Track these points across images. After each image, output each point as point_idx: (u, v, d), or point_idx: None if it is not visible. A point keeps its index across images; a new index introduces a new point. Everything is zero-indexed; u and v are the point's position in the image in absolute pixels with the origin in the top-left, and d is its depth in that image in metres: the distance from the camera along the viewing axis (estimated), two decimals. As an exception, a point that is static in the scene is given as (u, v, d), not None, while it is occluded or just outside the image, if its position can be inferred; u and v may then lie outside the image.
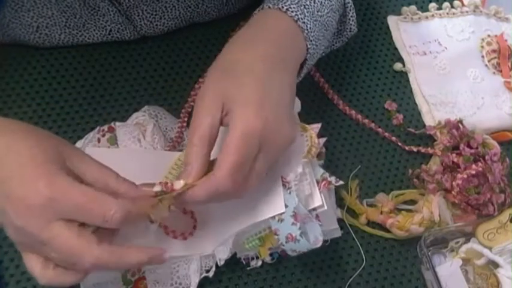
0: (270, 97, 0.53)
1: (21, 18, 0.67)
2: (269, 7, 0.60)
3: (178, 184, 0.51)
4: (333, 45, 0.72)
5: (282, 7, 0.59)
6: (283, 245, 0.56)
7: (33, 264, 0.47)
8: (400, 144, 0.73)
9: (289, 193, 0.56)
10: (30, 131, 0.49)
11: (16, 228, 0.46)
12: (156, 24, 0.71)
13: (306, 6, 0.60)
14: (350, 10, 0.69)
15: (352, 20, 0.70)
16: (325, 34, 0.63)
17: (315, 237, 0.56)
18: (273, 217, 0.56)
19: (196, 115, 0.52)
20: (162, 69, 0.72)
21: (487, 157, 0.68)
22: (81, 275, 0.48)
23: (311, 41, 0.60)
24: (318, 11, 0.61)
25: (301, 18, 0.59)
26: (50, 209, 0.45)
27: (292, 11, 0.59)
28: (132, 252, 0.48)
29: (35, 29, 0.68)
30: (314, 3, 0.61)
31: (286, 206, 0.55)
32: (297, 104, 0.62)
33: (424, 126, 0.75)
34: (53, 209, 0.45)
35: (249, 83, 0.53)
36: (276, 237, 0.56)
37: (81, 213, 0.45)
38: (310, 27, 0.59)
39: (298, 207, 0.55)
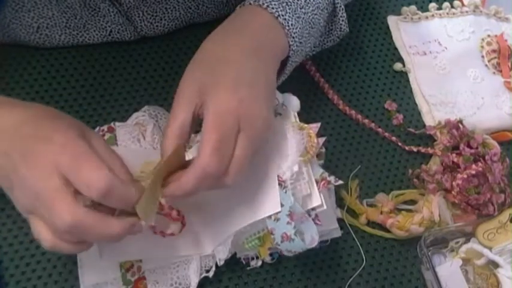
0: (243, 80, 0.53)
1: (21, 18, 0.67)
2: (250, 3, 0.60)
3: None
4: (324, 44, 0.71)
5: (263, 3, 0.59)
6: (279, 245, 0.56)
7: (39, 229, 0.48)
8: (400, 144, 0.73)
9: (285, 192, 0.56)
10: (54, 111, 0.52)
11: (20, 180, 0.47)
12: (157, 25, 0.71)
13: (288, 3, 0.60)
14: (340, 10, 0.69)
15: (343, 20, 0.70)
16: (310, 32, 0.63)
17: (311, 238, 0.56)
18: (269, 216, 0.56)
19: (172, 107, 0.53)
20: (162, 69, 0.72)
21: (487, 157, 0.68)
22: (80, 245, 0.49)
23: (293, 37, 0.60)
24: (301, 8, 0.61)
25: (282, 15, 0.59)
26: (53, 158, 0.46)
27: (272, 8, 0.59)
28: (113, 220, 0.48)
29: (35, 30, 0.68)
30: (298, 0, 0.61)
31: (282, 205, 0.55)
32: (297, 104, 0.62)
33: (424, 126, 0.75)
34: (55, 159, 0.46)
35: (220, 69, 0.54)
36: (272, 236, 0.56)
37: (73, 169, 0.46)
38: (291, 24, 0.60)
39: (294, 207, 0.55)
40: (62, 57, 0.71)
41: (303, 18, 0.62)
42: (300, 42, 0.61)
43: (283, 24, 0.59)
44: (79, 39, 0.70)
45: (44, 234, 0.48)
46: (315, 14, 0.64)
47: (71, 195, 0.46)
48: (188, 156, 0.57)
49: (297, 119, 0.62)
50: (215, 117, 0.51)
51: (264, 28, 0.59)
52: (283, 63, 0.61)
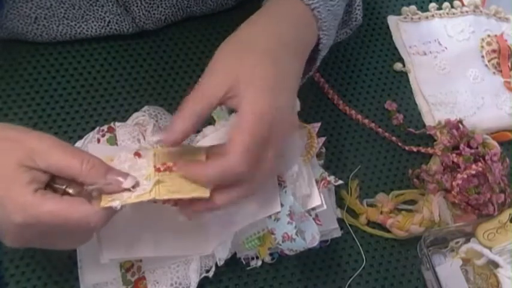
0: (282, 81, 0.52)
1: (19, 9, 0.67)
2: None
3: (131, 179, 0.49)
4: (337, 37, 0.70)
5: None
6: (280, 245, 0.56)
7: None
8: (400, 144, 0.73)
9: (285, 192, 0.56)
10: None
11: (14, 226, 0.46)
12: (154, 13, 0.70)
13: None
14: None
15: (359, 9, 0.68)
16: (335, 24, 0.62)
17: (312, 236, 0.56)
18: (270, 216, 0.56)
19: (200, 84, 0.51)
20: (162, 69, 0.72)
21: (487, 157, 0.68)
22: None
23: (323, 30, 0.58)
24: (330, 0, 0.60)
25: (317, 7, 0.57)
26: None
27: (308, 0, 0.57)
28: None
29: (33, 20, 0.67)
30: None
31: (282, 205, 0.55)
32: (297, 104, 0.62)
33: (424, 126, 0.75)
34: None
35: (262, 64, 0.51)
36: (273, 236, 0.56)
37: (61, 228, 0.46)
38: (324, 17, 0.58)
39: (294, 206, 0.55)
40: (62, 57, 0.71)
41: (332, 10, 0.60)
42: (329, 35, 0.60)
43: (317, 17, 0.57)
44: (77, 30, 0.69)
45: None
46: (339, 6, 0.62)
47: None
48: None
49: (297, 119, 0.61)
50: (252, 118, 0.48)
51: (301, 22, 0.57)
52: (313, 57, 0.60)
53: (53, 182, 0.48)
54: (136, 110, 0.67)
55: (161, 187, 0.49)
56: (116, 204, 0.47)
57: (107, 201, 0.47)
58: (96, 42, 0.72)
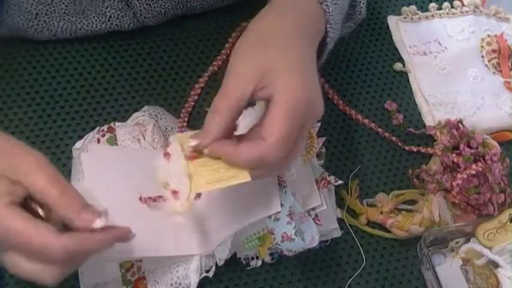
0: (309, 69, 0.52)
1: (20, 5, 0.66)
2: None
3: (191, 142, 0.48)
4: (342, 30, 0.69)
5: None
6: (279, 245, 0.56)
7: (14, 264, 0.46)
8: (400, 144, 0.73)
9: (285, 192, 0.56)
10: None
11: None
12: (154, 7, 0.70)
13: None
14: None
15: (363, 3, 0.68)
16: (341, 18, 0.62)
17: (311, 237, 0.56)
18: (269, 216, 0.56)
19: (227, 83, 0.50)
20: (162, 69, 0.72)
21: (487, 157, 0.68)
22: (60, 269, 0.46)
23: (331, 24, 0.58)
24: None
25: (325, 1, 0.57)
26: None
27: None
28: (96, 235, 0.46)
29: (34, 16, 0.67)
30: None
31: (282, 205, 0.55)
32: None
33: (424, 126, 0.75)
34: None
35: (290, 52, 0.51)
36: (272, 236, 0.56)
37: (23, 249, 0.45)
38: (331, 10, 0.58)
39: (294, 206, 0.55)
40: (62, 57, 0.71)
41: (338, 4, 0.60)
42: (335, 29, 0.60)
43: (325, 10, 0.57)
44: (77, 25, 0.69)
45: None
46: (344, 0, 0.62)
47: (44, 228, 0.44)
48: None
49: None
50: (288, 108, 0.48)
51: (311, 14, 0.57)
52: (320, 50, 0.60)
53: (30, 200, 0.46)
54: (136, 110, 0.67)
55: (198, 179, 0.49)
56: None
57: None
58: (96, 42, 0.72)
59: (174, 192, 0.50)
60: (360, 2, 0.68)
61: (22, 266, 0.46)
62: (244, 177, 0.49)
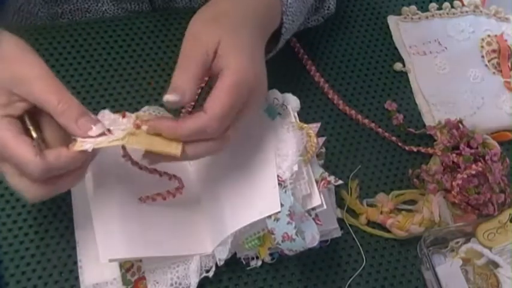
0: (257, 51, 0.54)
1: None
2: None
3: (101, 127, 0.50)
4: (308, 23, 0.72)
5: None
6: (280, 244, 0.56)
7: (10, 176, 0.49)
8: (400, 144, 0.73)
9: (285, 192, 0.56)
10: None
11: None
12: None
13: None
14: None
15: (332, 0, 0.71)
16: (302, 10, 0.64)
17: (312, 236, 0.56)
18: (269, 216, 0.56)
19: (189, 48, 0.52)
20: (162, 70, 0.72)
21: (487, 157, 0.68)
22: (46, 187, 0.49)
23: (287, 15, 0.61)
24: None
25: None
26: None
27: None
28: (70, 152, 0.48)
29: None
30: None
31: (282, 205, 0.55)
32: (297, 104, 0.62)
33: (424, 126, 0.75)
34: None
35: (241, 33, 0.54)
36: (273, 236, 0.56)
37: (9, 162, 0.48)
38: (290, 3, 0.60)
39: (294, 206, 0.55)
40: (63, 58, 0.71)
41: None
42: (293, 21, 0.62)
43: (283, 1, 0.60)
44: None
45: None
46: None
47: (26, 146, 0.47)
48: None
49: (297, 119, 0.62)
50: (234, 83, 0.51)
51: (267, 3, 0.59)
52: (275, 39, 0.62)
53: (27, 117, 0.49)
54: (136, 110, 0.67)
55: (134, 137, 0.50)
56: (87, 147, 0.49)
57: (80, 146, 0.49)
58: (97, 43, 0.72)
59: (108, 131, 0.51)
60: None
61: (13, 178, 0.49)
62: (175, 149, 0.50)
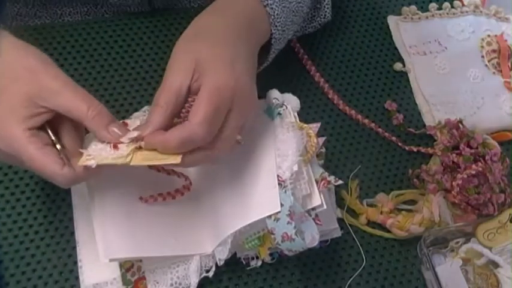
0: (239, 61, 0.54)
1: None
2: None
3: (131, 134, 0.51)
4: (305, 29, 0.73)
5: None
6: (279, 245, 0.56)
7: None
8: (400, 144, 0.73)
9: (285, 192, 0.56)
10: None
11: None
12: None
13: None
14: None
15: (327, 8, 0.72)
16: (293, 20, 0.65)
17: (312, 236, 0.56)
18: (269, 216, 0.56)
19: (167, 76, 0.54)
20: (162, 70, 0.72)
21: (487, 157, 0.68)
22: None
23: (276, 26, 0.61)
24: None
25: (270, 4, 0.61)
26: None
27: None
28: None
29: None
30: None
31: (281, 205, 0.55)
32: (297, 104, 0.62)
33: (424, 126, 0.75)
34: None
35: (220, 44, 0.54)
36: (273, 236, 0.56)
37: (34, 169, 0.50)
38: (277, 14, 0.61)
39: (294, 206, 0.55)
40: (63, 58, 0.71)
41: (288, 7, 0.63)
42: (283, 31, 0.63)
43: (269, 13, 0.60)
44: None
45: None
46: (299, 3, 0.66)
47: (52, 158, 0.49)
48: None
49: (297, 119, 0.62)
50: (213, 90, 0.51)
51: (253, 15, 0.60)
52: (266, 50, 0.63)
53: (48, 127, 0.51)
54: (136, 110, 0.67)
55: (138, 154, 0.51)
56: (92, 163, 0.49)
57: (84, 160, 0.50)
58: (97, 43, 0.72)
59: (115, 146, 0.52)
60: (325, 6, 0.72)
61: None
62: (174, 159, 0.51)
